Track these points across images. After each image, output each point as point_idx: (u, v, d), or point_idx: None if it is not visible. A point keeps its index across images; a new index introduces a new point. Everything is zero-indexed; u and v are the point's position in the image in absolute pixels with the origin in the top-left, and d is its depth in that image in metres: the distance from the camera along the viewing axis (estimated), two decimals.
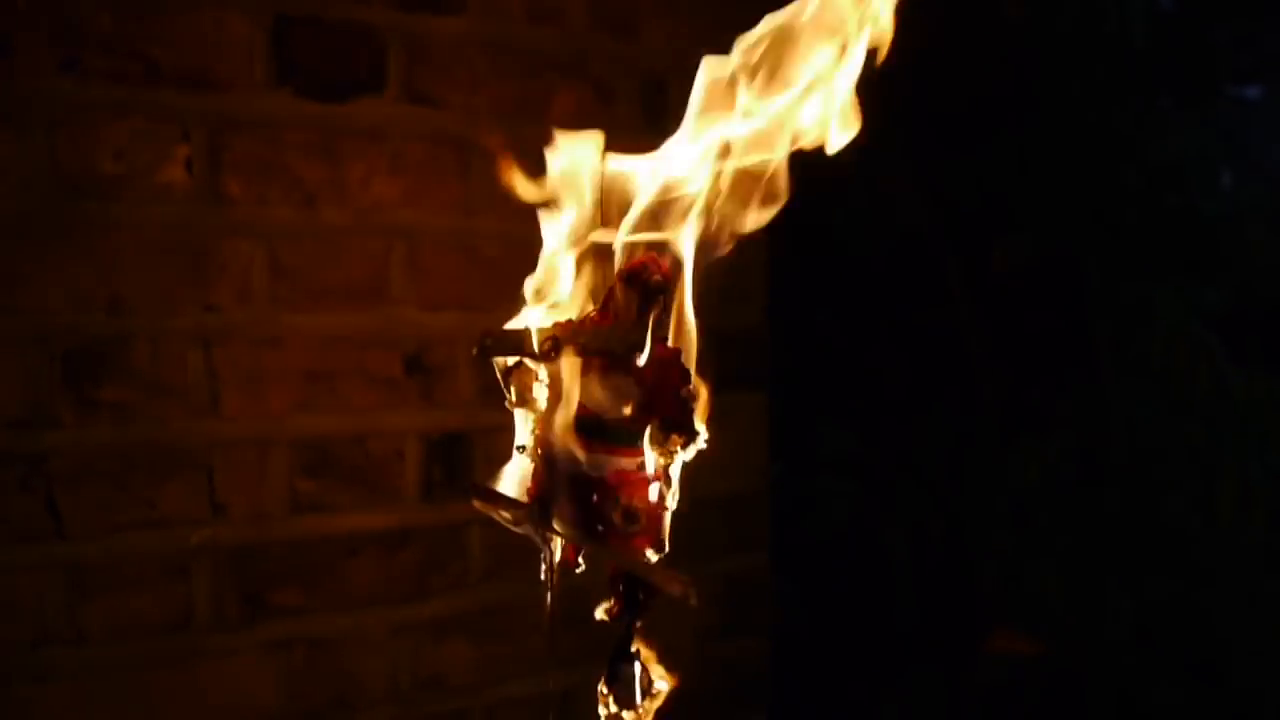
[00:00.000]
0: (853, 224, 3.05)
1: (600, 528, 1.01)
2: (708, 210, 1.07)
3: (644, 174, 1.08)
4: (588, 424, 1.01)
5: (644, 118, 2.18)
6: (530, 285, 1.09)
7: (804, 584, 3.29)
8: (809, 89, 1.08)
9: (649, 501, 1.02)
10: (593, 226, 1.09)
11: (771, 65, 1.09)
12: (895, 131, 2.98)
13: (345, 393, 1.90)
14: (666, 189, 1.07)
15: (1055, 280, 3.12)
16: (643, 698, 1.05)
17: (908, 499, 2.96)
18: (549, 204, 1.09)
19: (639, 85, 2.17)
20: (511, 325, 1.05)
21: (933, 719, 2.88)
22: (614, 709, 1.06)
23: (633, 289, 1.01)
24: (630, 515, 1.01)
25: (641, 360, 1.01)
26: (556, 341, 1.01)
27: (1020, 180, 3.03)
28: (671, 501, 1.04)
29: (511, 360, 1.03)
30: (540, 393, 1.03)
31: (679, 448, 1.02)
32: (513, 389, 1.03)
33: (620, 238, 1.06)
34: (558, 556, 1.06)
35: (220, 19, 1.78)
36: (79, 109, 1.67)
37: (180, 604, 1.79)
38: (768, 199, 1.08)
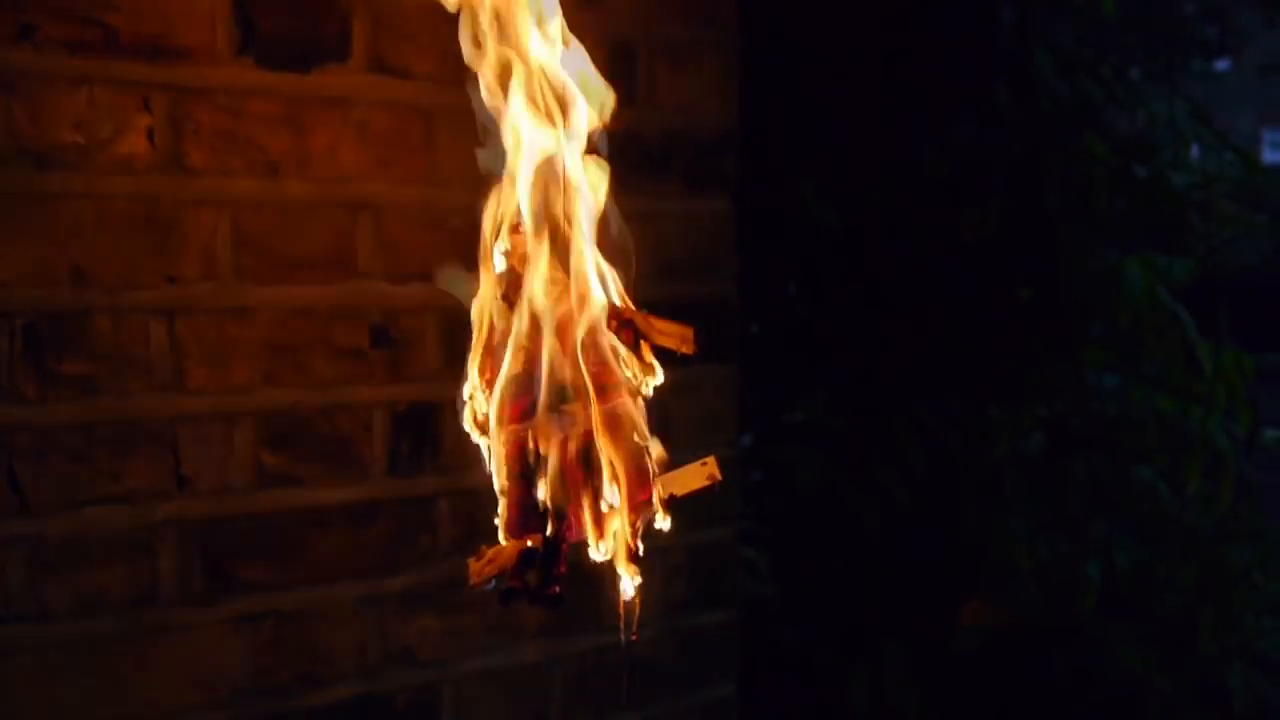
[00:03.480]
0: (823, 194, 3.04)
1: None
2: None
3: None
4: None
5: (611, 86, 2.16)
6: None
7: (773, 555, 3.29)
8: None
9: None
10: None
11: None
12: (865, 99, 2.98)
13: (311, 365, 1.89)
14: None
15: (1025, 250, 3.12)
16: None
17: (877, 469, 2.96)
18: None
19: (607, 53, 2.15)
20: None
21: (903, 690, 2.89)
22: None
23: None
24: None
25: None
26: None
27: (990, 150, 3.03)
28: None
29: None
30: None
31: None
32: None
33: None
34: None
35: None
36: (36, 78, 1.65)
37: (146, 579, 1.77)
38: None
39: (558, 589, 1.07)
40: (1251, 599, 3.17)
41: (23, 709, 1.69)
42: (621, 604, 1.09)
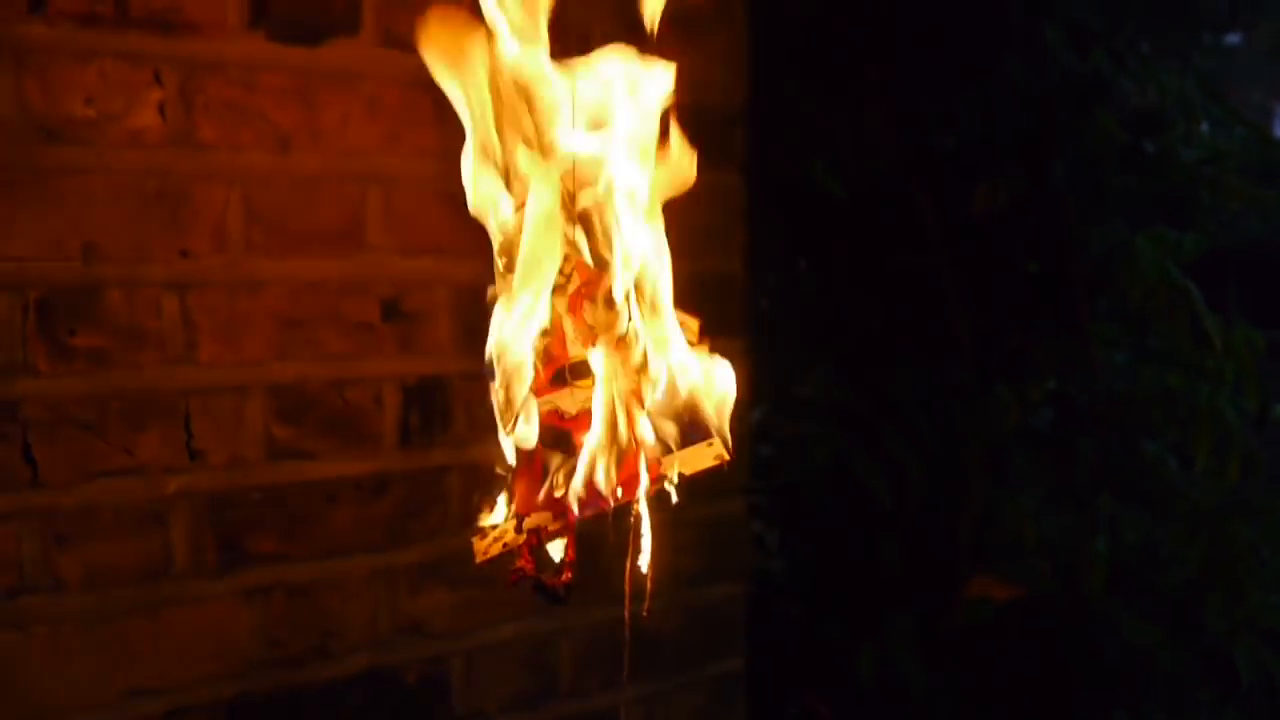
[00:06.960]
0: (832, 168, 3.03)
1: None
2: None
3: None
4: None
5: None
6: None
7: (783, 529, 3.30)
8: None
9: None
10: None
11: None
12: (874, 74, 2.97)
13: (322, 339, 1.89)
14: None
15: (1034, 225, 3.12)
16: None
17: (888, 444, 2.96)
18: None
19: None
20: None
21: (910, 664, 2.90)
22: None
23: None
24: None
25: None
26: None
27: (999, 125, 3.02)
28: None
29: None
30: None
31: None
32: None
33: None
34: None
35: None
36: (48, 52, 1.65)
37: (158, 551, 1.78)
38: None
39: (569, 575, 1.07)
40: (1259, 574, 3.17)
41: (37, 681, 1.70)
42: (628, 577, 1.09)
